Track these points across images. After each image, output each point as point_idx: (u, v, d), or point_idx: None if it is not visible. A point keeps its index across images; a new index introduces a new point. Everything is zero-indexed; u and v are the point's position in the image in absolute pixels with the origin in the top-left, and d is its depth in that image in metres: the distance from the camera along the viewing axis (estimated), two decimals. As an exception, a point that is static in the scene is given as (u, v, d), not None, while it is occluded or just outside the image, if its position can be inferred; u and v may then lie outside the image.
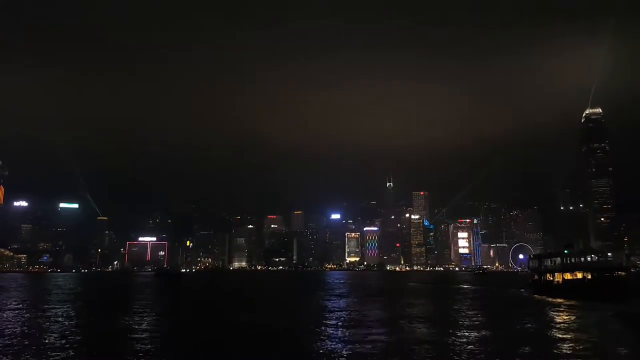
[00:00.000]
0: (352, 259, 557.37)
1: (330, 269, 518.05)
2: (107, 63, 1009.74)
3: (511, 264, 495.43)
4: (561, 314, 56.41)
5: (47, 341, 36.98)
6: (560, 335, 40.14)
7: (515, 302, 79.35)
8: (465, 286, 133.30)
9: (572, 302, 67.79)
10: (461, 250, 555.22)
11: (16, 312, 58.70)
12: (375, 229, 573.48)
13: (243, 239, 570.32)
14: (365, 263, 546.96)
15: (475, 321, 49.74)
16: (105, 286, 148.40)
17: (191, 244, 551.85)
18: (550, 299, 75.33)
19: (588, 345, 36.74)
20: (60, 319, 51.61)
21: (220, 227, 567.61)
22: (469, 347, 35.00)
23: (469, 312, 58.80)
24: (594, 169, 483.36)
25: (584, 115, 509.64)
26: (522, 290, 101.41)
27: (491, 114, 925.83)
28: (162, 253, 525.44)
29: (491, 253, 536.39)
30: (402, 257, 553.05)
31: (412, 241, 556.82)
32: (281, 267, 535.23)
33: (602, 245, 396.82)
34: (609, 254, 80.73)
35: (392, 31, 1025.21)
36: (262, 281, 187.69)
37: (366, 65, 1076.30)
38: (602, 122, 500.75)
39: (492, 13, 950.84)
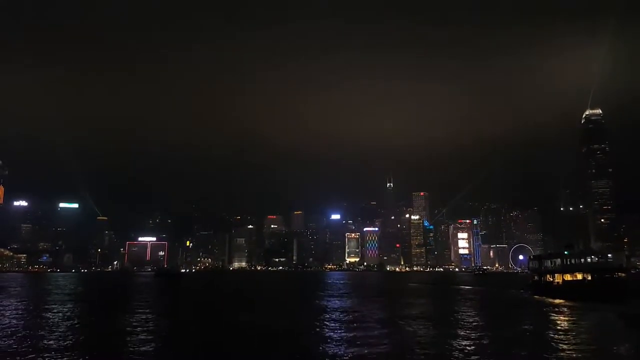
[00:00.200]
0: (352, 260, 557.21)
1: (330, 269, 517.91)
2: (107, 63, 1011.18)
3: (511, 265, 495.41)
4: (561, 315, 56.39)
5: (47, 342, 36.92)
6: (560, 337, 40.12)
7: (515, 303, 79.32)
8: (465, 287, 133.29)
9: (572, 303, 67.79)
10: (461, 251, 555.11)
11: (16, 312, 58.67)
12: (375, 229, 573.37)
13: (243, 239, 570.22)
14: (365, 263, 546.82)
15: (476, 322, 49.72)
16: (105, 286, 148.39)
17: (191, 244, 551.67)
18: (550, 300, 75.32)
19: (588, 346, 36.73)
20: (60, 319, 51.61)
21: (220, 227, 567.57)
22: (469, 348, 34.99)
23: (469, 313, 58.77)
24: (593, 170, 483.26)
25: (583, 116, 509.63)
26: (522, 291, 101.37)
27: (491, 114, 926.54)
28: (162, 253, 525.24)
29: (491, 254, 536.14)
30: (402, 257, 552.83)
31: (412, 242, 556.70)
32: (281, 268, 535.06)
33: (602, 246, 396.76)
34: (609, 255, 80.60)
35: (392, 31, 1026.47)
36: (262, 281, 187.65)
37: (366, 65, 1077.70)
38: (602, 123, 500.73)
39: (492, 13, 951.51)
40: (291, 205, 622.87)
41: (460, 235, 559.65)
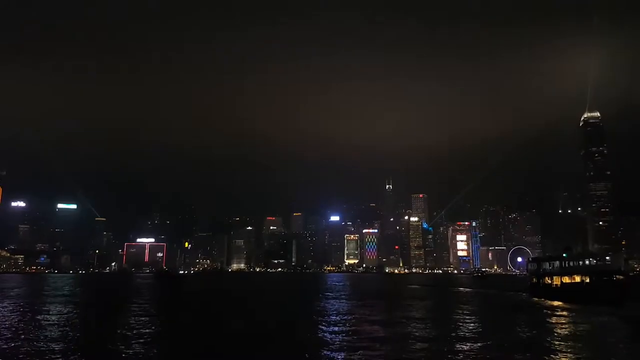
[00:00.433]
0: (351, 261, 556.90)
1: (329, 271, 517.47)
2: (107, 63, 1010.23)
3: (509, 267, 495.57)
4: (560, 317, 56.44)
5: (43, 345, 36.63)
6: (559, 339, 40.14)
7: (514, 305, 79.38)
8: (465, 289, 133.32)
9: (571, 306, 67.89)
10: (460, 253, 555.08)
11: (12, 314, 58.47)
12: (375, 231, 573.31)
13: (242, 240, 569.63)
14: (364, 265, 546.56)
15: (475, 325, 49.73)
16: (103, 287, 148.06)
17: (190, 246, 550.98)
18: (549, 302, 75.43)
19: (586, 348, 36.77)
20: (56, 321, 51.45)
21: (219, 229, 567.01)
22: (469, 350, 34.97)
23: (469, 316, 58.76)
24: (592, 173, 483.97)
25: (582, 119, 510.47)
26: (521, 293, 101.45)
27: (490, 115, 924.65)
28: (160, 254, 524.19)
29: (490, 256, 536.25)
30: (401, 259, 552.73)
31: (411, 244, 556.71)
32: (280, 269, 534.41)
33: (600, 248, 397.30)
34: (607, 257, 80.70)
35: (391, 31, 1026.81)
36: (261, 283, 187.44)
37: (366, 65, 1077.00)
38: (601, 126, 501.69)
39: (492, 13, 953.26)
40: (290, 207, 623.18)
41: (459, 237, 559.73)
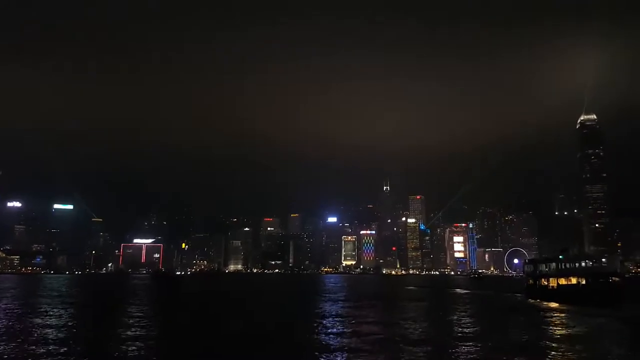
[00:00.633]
0: (349, 263, 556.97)
1: (327, 272, 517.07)
2: (107, 63, 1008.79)
3: (506, 269, 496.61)
4: (556, 319, 56.70)
5: (38, 347, 36.36)
6: (555, 341, 40.35)
7: (511, 306, 79.68)
8: (462, 291, 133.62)
9: (567, 307, 68.22)
10: (457, 255, 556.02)
11: (8, 315, 58.29)
12: (372, 232, 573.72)
13: (239, 241, 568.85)
14: (361, 266, 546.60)
15: (472, 326, 49.91)
16: (101, 288, 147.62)
17: (187, 246, 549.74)
18: (545, 304, 75.74)
19: (582, 350, 36.97)
20: (52, 323, 51.31)
21: (217, 230, 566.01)
22: (467, 353, 35.11)
23: (466, 317, 58.95)
24: (588, 175, 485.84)
25: (578, 121, 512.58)
26: (518, 294, 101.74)
27: (490, 116, 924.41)
28: (157, 255, 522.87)
29: (486, 257, 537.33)
30: (398, 260, 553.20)
31: (408, 245, 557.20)
32: (277, 270, 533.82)
33: (596, 250, 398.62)
34: (603, 259, 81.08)
35: (391, 31, 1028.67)
36: (259, 284, 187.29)
37: (365, 65, 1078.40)
38: (597, 128, 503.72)
39: (492, 13, 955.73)
40: (290, 207, 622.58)
41: (456, 238, 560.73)
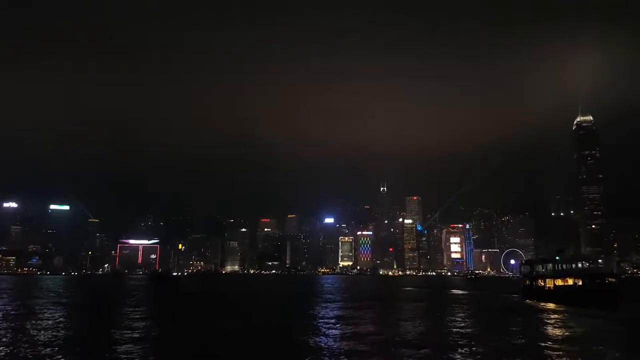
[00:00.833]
0: (346, 263, 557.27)
1: (324, 273, 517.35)
2: (107, 63, 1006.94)
3: (503, 269, 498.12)
4: (553, 320, 56.86)
5: (37, 350, 36.21)
6: (552, 342, 40.48)
7: (508, 307, 79.86)
8: (459, 292, 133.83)
9: (564, 308, 68.44)
10: (453, 255, 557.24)
11: (3, 317, 58.02)
12: (369, 233, 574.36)
13: (236, 242, 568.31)
14: (358, 267, 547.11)
15: (470, 327, 50.03)
16: (98, 289, 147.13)
17: (183, 247, 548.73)
18: (542, 305, 75.93)
19: (579, 351, 37.11)
20: (48, 325, 51.11)
21: (214, 230, 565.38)
22: (465, 354, 35.19)
23: (464, 318, 59.06)
24: (584, 176, 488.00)
25: (575, 122, 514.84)
26: (514, 295, 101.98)
27: (490, 116, 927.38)
28: (153, 256, 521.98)
29: (483, 258, 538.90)
30: (395, 261, 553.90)
31: (405, 246, 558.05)
32: (274, 271, 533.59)
33: (592, 251, 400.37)
34: (600, 260, 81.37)
35: (391, 31, 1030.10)
36: (256, 285, 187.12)
37: (364, 65, 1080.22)
38: (593, 129, 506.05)
39: (492, 13, 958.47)
40: (290, 207, 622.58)
41: (452, 239, 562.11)
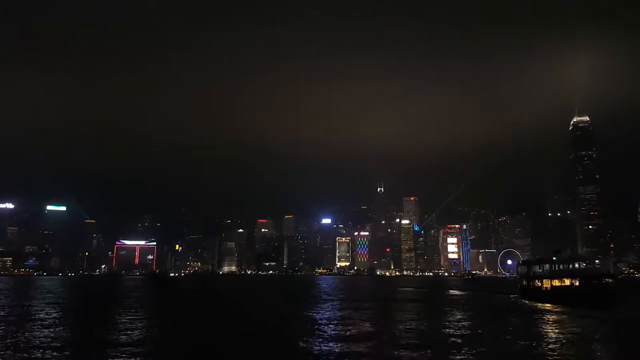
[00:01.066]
0: (343, 264, 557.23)
1: (321, 273, 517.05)
2: (106, 63, 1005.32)
3: (499, 270, 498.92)
4: (550, 320, 57.10)
5: (34, 352, 36.09)
6: (549, 342, 40.67)
7: (506, 308, 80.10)
8: (456, 292, 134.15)
9: (561, 309, 68.69)
10: (450, 256, 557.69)
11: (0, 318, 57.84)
12: (366, 233, 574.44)
13: (233, 243, 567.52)
14: (355, 268, 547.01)
15: (468, 328, 50.17)
16: (96, 290, 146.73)
17: (180, 248, 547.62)
18: (539, 305, 76.19)
19: (576, 351, 37.29)
20: (45, 326, 50.99)
21: (211, 231, 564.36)
22: (463, 355, 35.31)
23: (462, 318, 59.22)
24: (581, 176, 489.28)
25: (571, 123, 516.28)
26: (511, 295, 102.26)
27: (490, 116, 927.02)
28: (150, 257, 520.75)
29: (480, 258, 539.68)
30: (392, 262, 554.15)
31: (402, 246, 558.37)
32: (271, 272, 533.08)
33: (589, 251, 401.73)
34: (597, 260, 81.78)
35: (391, 31, 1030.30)
36: (255, 286, 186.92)
37: (366, 65, 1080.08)
38: (590, 130, 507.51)
39: (492, 13, 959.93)
40: (283, 209, 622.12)
41: (449, 240, 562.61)
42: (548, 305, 74.48)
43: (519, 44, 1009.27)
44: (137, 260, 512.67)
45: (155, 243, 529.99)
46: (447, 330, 47.66)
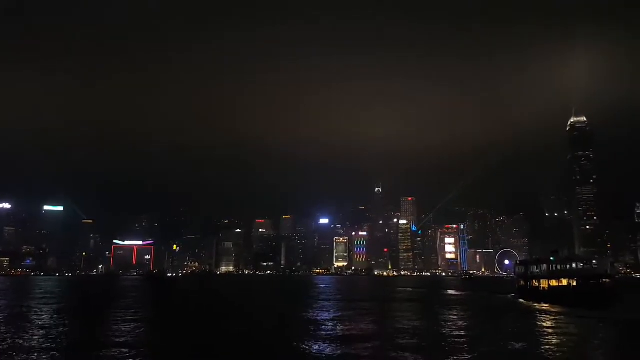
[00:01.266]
0: (341, 264, 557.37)
1: (319, 273, 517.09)
2: (106, 63, 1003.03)
3: (497, 270, 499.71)
4: (548, 320, 57.25)
5: (32, 352, 35.92)
6: (547, 342, 40.77)
7: (504, 308, 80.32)
8: (454, 292, 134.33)
9: (559, 309, 68.86)
10: (448, 256, 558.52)
11: None
12: (364, 233, 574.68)
13: (231, 243, 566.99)
14: (353, 268, 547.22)
15: (466, 328, 50.27)
16: (94, 290, 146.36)
17: (178, 248, 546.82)
18: (537, 305, 76.38)
19: (574, 351, 37.40)
20: (43, 327, 50.86)
21: (208, 231, 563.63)
22: (462, 356, 35.38)
23: (460, 318, 59.31)
24: (578, 177, 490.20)
25: (569, 123, 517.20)
26: (509, 296, 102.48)
27: (489, 116, 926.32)
28: (148, 257, 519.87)
29: (477, 259, 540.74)
30: (390, 262, 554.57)
31: (400, 246, 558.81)
32: (269, 272, 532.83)
33: (586, 252, 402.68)
34: (594, 261, 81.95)
35: (391, 31, 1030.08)
36: (253, 286, 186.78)
37: (366, 65, 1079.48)
38: (587, 130, 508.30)
39: (492, 13, 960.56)
40: (280, 209, 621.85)
41: (447, 240, 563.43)
42: (545, 306, 74.65)
43: (519, 44, 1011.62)
44: (134, 261, 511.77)
45: (152, 243, 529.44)
46: (445, 330, 47.74)
